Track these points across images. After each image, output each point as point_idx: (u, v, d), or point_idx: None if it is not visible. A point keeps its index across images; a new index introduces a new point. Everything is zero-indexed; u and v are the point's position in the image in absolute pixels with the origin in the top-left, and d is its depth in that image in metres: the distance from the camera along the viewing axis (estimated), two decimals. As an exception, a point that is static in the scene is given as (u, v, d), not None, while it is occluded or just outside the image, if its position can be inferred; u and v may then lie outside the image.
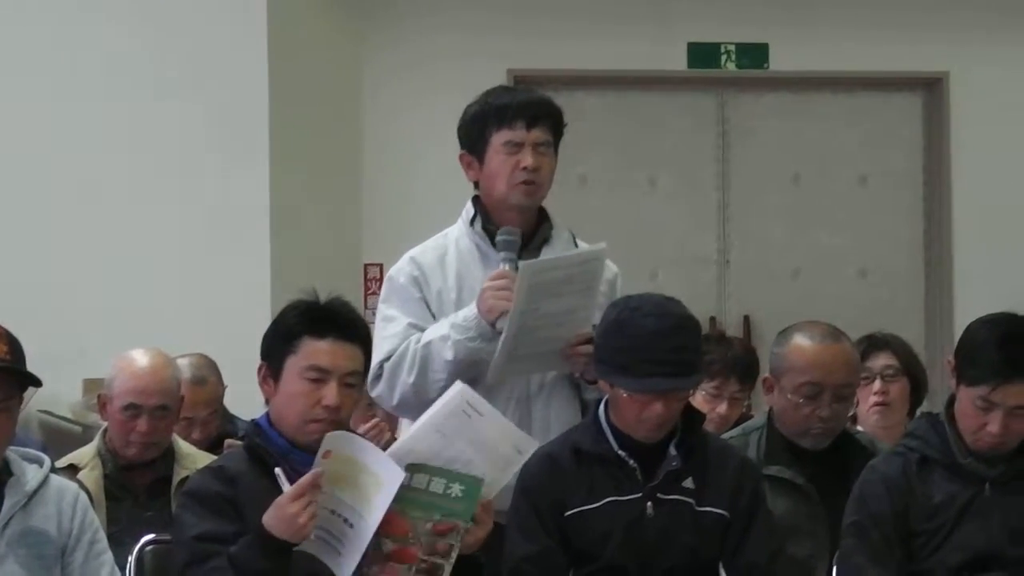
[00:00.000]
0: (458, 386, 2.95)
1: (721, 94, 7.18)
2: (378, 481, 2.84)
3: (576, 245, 3.56)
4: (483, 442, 2.91)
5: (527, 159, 3.42)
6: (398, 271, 3.52)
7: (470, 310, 3.35)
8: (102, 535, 3.10)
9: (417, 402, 3.38)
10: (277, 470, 2.87)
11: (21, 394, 3.01)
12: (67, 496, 3.06)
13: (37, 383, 3.00)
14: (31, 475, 3.02)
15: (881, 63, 7.04)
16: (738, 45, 7.06)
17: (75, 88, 5.96)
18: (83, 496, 3.12)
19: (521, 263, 3.31)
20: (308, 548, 2.86)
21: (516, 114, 3.44)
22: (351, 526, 2.85)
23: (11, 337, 2.98)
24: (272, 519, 2.82)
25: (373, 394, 3.47)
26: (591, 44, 6.88)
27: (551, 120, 3.49)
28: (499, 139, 3.44)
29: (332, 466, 2.85)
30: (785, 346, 3.63)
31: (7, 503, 2.96)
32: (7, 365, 2.93)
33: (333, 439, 2.87)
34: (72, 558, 3.01)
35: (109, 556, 3.07)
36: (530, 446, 2.98)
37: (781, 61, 7.06)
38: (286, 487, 2.82)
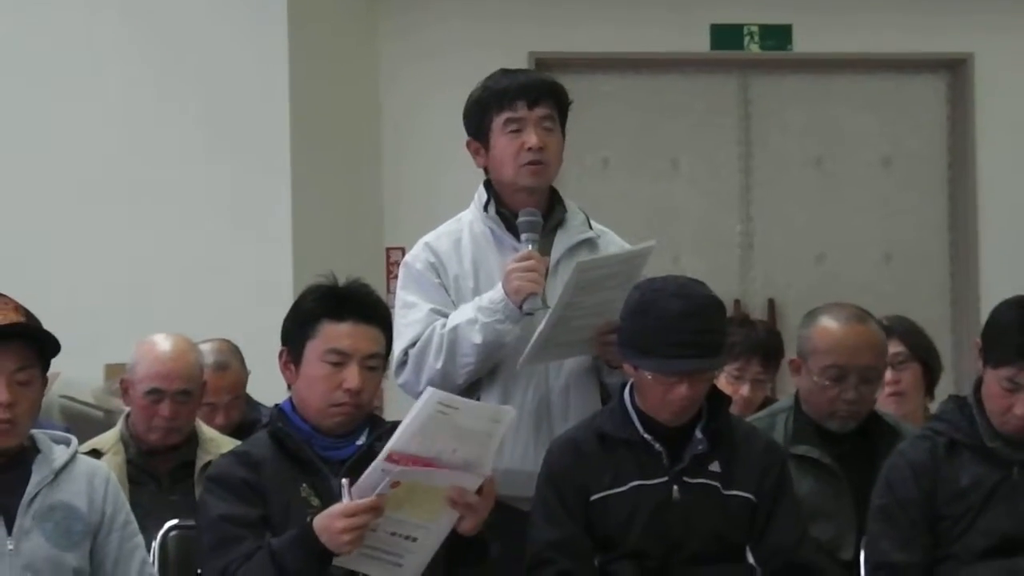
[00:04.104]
0: (428, 392, 2.82)
1: (744, 76, 7.13)
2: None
3: (591, 227, 3.52)
4: (462, 430, 2.82)
5: (531, 138, 3.37)
6: (414, 258, 3.48)
7: (496, 292, 3.31)
8: (133, 517, 3.08)
9: (445, 387, 3.35)
10: (344, 480, 2.80)
11: (42, 367, 2.99)
12: (99, 475, 3.04)
13: (55, 346, 2.96)
14: (58, 453, 3.01)
15: (906, 44, 6.99)
16: (761, 27, 7.01)
17: (99, 84, 5.95)
18: (114, 477, 3.10)
19: (576, 262, 3.27)
20: (359, 566, 2.83)
21: (516, 94, 3.39)
22: (414, 540, 2.82)
23: (26, 310, 2.95)
24: (320, 525, 2.79)
25: (399, 382, 3.43)
26: (613, 27, 6.84)
27: (553, 97, 3.44)
28: (500, 120, 3.39)
29: (399, 493, 2.78)
30: (811, 328, 3.61)
31: (34, 478, 2.95)
32: (22, 327, 2.91)
33: (403, 474, 2.78)
34: (108, 540, 2.99)
35: (140, 539, 3.06)
36: (505, 414, 2.86)
37: (805, 43, 7.00)
38: (347, 498, 2.77)
